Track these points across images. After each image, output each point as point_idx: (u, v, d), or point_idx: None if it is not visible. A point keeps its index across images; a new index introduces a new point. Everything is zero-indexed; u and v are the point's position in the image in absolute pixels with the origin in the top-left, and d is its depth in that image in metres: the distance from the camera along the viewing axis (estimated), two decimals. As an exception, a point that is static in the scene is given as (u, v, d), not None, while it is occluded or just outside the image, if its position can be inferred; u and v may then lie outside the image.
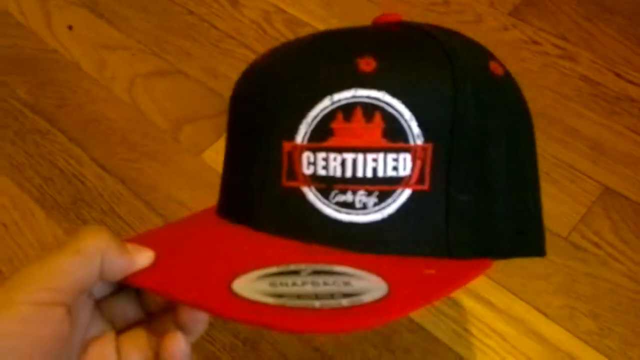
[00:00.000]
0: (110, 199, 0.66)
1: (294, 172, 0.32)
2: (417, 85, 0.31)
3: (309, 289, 0.27)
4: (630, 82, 0.72)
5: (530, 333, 0.55)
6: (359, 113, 0.31)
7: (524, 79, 0.73)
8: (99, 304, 0.31)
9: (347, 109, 0.31)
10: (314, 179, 0.31)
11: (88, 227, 0.29)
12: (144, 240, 0.31)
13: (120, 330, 0.32)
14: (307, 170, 0.31)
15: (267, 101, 0.33)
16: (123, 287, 0.31)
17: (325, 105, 0.31)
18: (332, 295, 0.26)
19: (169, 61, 0.79)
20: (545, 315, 0.56)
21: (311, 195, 0.31)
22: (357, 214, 0.31)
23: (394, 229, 0.31)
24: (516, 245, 0.33)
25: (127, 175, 0.68)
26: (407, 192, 0.31)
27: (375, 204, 0.31)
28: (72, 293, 0.27)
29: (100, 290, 0.31)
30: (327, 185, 0.31)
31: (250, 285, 0.27)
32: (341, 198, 0.31)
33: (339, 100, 0.31)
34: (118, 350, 0.30)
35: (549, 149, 0.67)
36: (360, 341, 0.55)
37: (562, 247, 0.60)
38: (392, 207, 0.31)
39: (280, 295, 0.26)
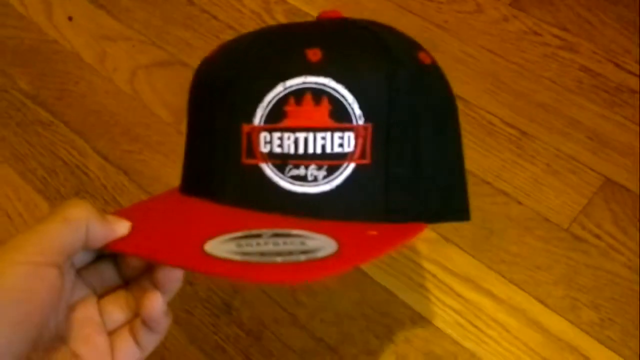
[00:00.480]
0: (113, 190, 0.66)
1: (252, 150, 0.36)
2: (358, 73, 0.36)
3: (270, 248, 0.31)
4: (630, 72, 0.72)
5: (531, 323, 0.55)
6: (308, 97, 0.35)
7: (524, 70, 0.73)
8: (80, 272, 0.34)
9: (298, 94, 0.35)
10: (271, 156, 0.36)
11: (73, 199, 0.33)
12: (120, 213, 0.35)
13: (101, 295, 0.35)
14: (264, 149, 0.36)
15: (227, 89, 0.37)
16: (101, 256, 0.35)
17: (278, 91, 0.35)
18: (291, 253, 0.30)
19: (169, 52, 0.79)
20: (547, 306, 0.56)
21: (268, 170, 0.36)
22: (309, 186, 0.35)
23: (341, 198, 0.36)
24: (444, 211, 0.38)
25: (130, 167, 0.68)
26: (351, 166, 0.36)
27: (325, 177, 0.35)
28: (62, 255, 0.30)
29: (81, 259, 0.34)
30: (282, 161, 0.35)
31: (219, 246, 0.31)
32: (295, 172, 0.35)
33: (291, 86, 0.35)
34: (100, 311, 0.34)
35: (549, 141, 0.67)
36: (362, 331, 0.55)
37: (563, 238, 0.60)
38: (339, 179, 0.35)
39: (246, 254, 0.30)
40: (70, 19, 0.83)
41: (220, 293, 0.58)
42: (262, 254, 0.30)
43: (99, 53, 0.79)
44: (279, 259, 0.29)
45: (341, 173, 0.36)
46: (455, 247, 0.60)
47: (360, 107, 0.35)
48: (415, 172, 0.37)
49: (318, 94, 0.35)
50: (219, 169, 0.37)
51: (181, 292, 0.57)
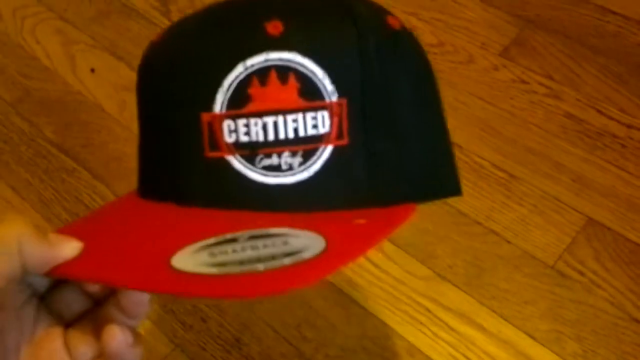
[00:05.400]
0: (133, 233, 0.72)
1: (216, 142, 0.32)
2: (325, 43, 0.32)
3: (250, 253, 0.27)
4: (611, 118, 0.78)
5: (520, 355, 0.60)
6: (273, 76, 0.31)
7: (512, 116, 0.79)
8: (45, 299, 0.31)
9: (262, 73, 0.31)
10: (238, 146, 0.31)
11: (6, 216, 0.28)
12: (69, 230, 0.30)
13: (69, 323, 0.31)
14: (230, 139, 0.31)
15: (178, 76, 0.33)
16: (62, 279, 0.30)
17: (239, 71, 0.31)
18: (273, 257, 0.27)
19: (184, 101, 0.85)
20: (534, 338, 0.61)
21: (236, 162, 0.32)
22: (285, 176, 0.32)
23: (321, 185, 0.32)
24: (432, 187, 0.35)
25: (148, 210, 0.74)
26: (329, 149, 0.32)
27: (301, 164, 0.32)
28: None
29: (42, 284, 0.30)
30: (251, 151, 0.31)
31: (189, 259, 0.27)
32: (267, 162, 0.32)
33: (252, 66, 0.31)
34: (66, 345, 0.30)
35: (536, 183, 0.72)
36: (364, 363, 0.60)
37: (549, 274, 0.65)
38: (317, 164, 0.32)
39: (222, 264, 0.26)
40: (92, 71, 0.90)
41: (231, 329, 0.63)
42: (241, 262, 0.27)
43: (119, 103, 0.86)
44: (261, 267, 0.26)
45: (318, 157, 0.32)
46: (449, 284, 0.65)
47: (332, 82, 0.32)
48: (398, 147, 0.33)
49: (283, 71, 0.31)
50: (179, 166, 0.33)
51: (194, 328, 0.62)
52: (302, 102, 0.32)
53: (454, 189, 0.36)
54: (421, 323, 0.62)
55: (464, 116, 0.80)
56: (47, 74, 0.90)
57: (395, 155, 0.33)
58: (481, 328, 0.62)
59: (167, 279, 0.26)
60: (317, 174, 0.32)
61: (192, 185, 0.32)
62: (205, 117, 0.32)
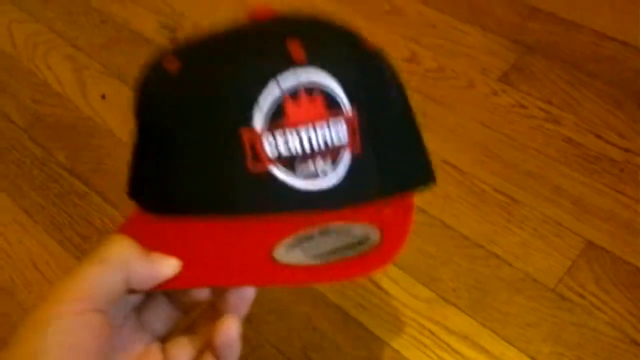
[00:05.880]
0: (143, 256, 0.74)
1: (257, 155, 0.35)
2: (336, 60, 0.37)
3: (332, 244, 0.31)
4: (609, 142, 0.80)
5: (522, 377, 0.61)
6: (302, 92, 0.35)
7: (512, 140, 0.81)
8: (139, 316, 0.34)
9: (292, 90, 0.35)
10: (278, 158, 0.35)
11: (112, 237, 0.31)
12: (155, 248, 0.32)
13: (164, 337, 0.34)
14: (270, 152, 0.35)
15: (216, 99, 0.35)
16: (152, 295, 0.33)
17: (273, 90, 0.35)
18: (351, 245, 0.31)
19: (192, 126, 0.87)
20: (536, 360, 0.62)
21: (280, 173, 0.35)
22: (321, 181, 0.36)
23: (349, 186, 0.37)
24: (421, 178, 0.43)
25: (157, 234, 0.75)
26: (349, 155, 0.37)
27: (332, 169, 0.36)
28: (102, 300, 0.29)
29: (134, 301, 0.33)
30: (290, 161, 0.35)
31: (286, 254, 0.30)
32: (305, 170, 0.35)
33: (284, 83, 0.35)
34: (167, 358, 0.33)
35: (536, 207, 0.74)
36: (370, 385, 0.62)
37: (550, 297, 0.67)
38: (342, 169, 0.36)
39: (315, 256, 0.30)
40: (103, 97, 0.92)
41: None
42: (331, 252, 0.30)
43: (129, 128, 0.88)
44: (350, 253, 0.30)
45: (343, 163, 0.36)
46: (453, 307, 0.66)
47: (347, 96, 0.37)
48: (396, 149, 0.40)
49: (311, 87, 0.35)
50: (224, 179, 0.35)
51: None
52: (327, 115, 0.36)
53: (433, 177, 0.45)
54: (425, 346, 0.64)
55: (465, 140, 0.82)
56: (58, 99, 0.93)
57: (394, 157, 0.39)
58: (484, 350, 0.63)
59: (274, 271, 0.30)
60: (345, 178, 0.36)
61: (240, 197, 0.35)
62: (245, 132, 0.34)
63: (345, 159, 0.36)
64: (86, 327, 0.28)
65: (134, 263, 0.30)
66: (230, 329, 0.32)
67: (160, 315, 0.34)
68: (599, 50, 0.91)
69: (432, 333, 0.65)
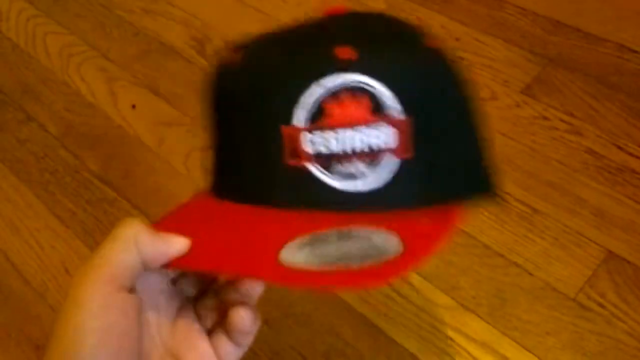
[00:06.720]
0: (170, 261, 0.76)
1: (295, 151, 0.36)
2: (394, 68, 0.37)
3: (342, 251, 0.32)
4: (631, 154, 0.80)
5: (541, 385, 0.62)
6: (347, 95, 0.36)
7: (534, 151, 0.82)
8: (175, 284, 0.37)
9: (336, 92, 0.36)
10: (316, 157, 0.36)
11: (123, 219, 0.34)
12: (164, 227, 0.34)
13: (195, 298, 0.38)
14: (308, 149, 0.36)
15: (260, 95, 0.37)
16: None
17: (316, 90, 0.35)
18: (362, 255, 0.31)
19: (218, 136, 0.90)
20: (555, 369, 0.63)
21: (316, 171, 0.36)
22: (357, 182, 0.36)
23: (390, 192, 0.36)
24: (476, 189, 0.40)
25: (184, 240, 0.78)
26: (396, 160, 0.36)
27: (371, 172, 0.36)
28: (124, 278, 0.31)
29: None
30: (328, 160, 0.36)
31: (295, 254, 0.31)
32: (342, 170, 0.36)
33: (327, 85, 0.35)
34: (197, 317, 0.37)
35: (557, 217, 0.75)
36: (390, 391, 0.63)
37: (570, 306, 0.67)
38: (385, 173, 0.36)
39: (324, 257, 0.31)
40: (133, 107, 0.95)
41: (262, 354, 0.66)
42: (338, 258, 0.31)
43: (157, 137, 0.91)
44: (356, 261, 0.30)
45: (386, 167, 0.36)
46: (473, 315, 0.67)
47: (400, 102, 0.36)
48: (451, 157, 0.38)
49: (356, 91, 0.36)
50: (263, 171, 0.37)
51: None
52: (372, 119, 0.36)
53: (489, 187, 0.41)
54: (446, 352, 0.65)
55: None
56: (90, 109, 0.96)
57: (447, 166, 0.38)
58: (504, 358, 0.64)
59: (276, 270, 0.30)
60: (387, 183, 0.36)
61: (277, 189, 0.36)
62: (285, 129, 0.36)
63: (390, 163, 0.36)
64: (116, 308, 0.30)
65: (143, 241, 0.32)
66: (241, 321, 0.34)
67: (191, 281, 0.38)
68: (622, 64, 0.92)
69: (452, 340, 0.65)
